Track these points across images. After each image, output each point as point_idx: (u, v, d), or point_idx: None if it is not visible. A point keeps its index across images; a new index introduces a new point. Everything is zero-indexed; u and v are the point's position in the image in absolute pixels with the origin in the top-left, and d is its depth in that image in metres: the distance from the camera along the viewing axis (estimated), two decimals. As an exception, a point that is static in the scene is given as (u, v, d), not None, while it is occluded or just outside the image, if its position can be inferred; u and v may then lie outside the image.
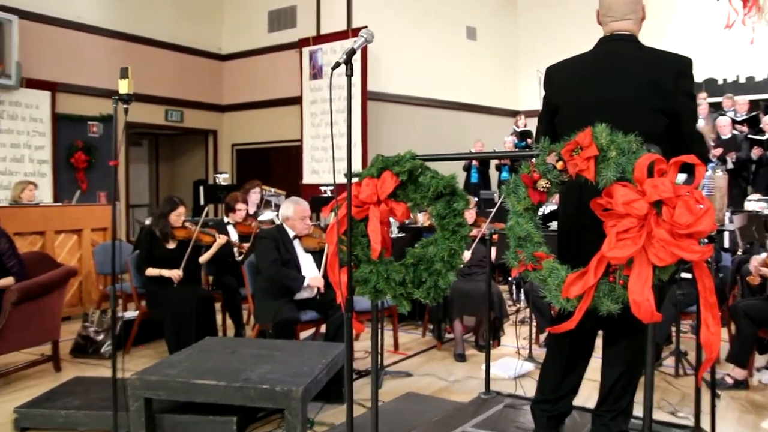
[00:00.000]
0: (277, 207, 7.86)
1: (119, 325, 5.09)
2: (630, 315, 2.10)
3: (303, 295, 4.88)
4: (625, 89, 2.51)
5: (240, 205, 6.27)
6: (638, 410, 2.56)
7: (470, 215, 5.82)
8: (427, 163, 2.63)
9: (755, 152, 8.87)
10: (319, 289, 4.89)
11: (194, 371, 3.42)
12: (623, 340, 2.67)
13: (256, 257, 5.04)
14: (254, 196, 7.20)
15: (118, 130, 3.35)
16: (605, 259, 2.14)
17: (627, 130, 2.18)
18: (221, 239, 5.56)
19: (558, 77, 2.73)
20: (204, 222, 5.67)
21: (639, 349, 2.62)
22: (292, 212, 4.98)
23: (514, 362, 4.93)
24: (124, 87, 3.29)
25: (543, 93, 2.79)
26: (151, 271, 5.24)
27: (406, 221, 7.37)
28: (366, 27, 2.50)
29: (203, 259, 5.54)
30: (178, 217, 5.36)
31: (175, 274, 5.22)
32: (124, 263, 5.47)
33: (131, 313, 5.81)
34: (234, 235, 6.17)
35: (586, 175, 2.19)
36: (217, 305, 5.69)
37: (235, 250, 6.01)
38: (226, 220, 6.31)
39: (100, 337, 5.35)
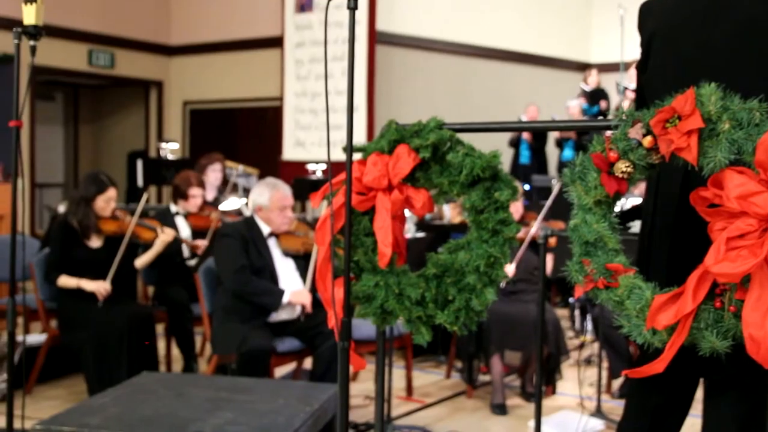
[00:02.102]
0: (247, 192, 7.88)
1: (19, 354, 5.11)
2: (744, 356, 2.09)
3: (281, 315, 4.89)
4: (736, 35, 2.50)
5: (194, 190, 6.27)
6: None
7: (517, 209, 5.82)
8: (460, 135, 2.63)
9: None
10: (303, 308, 4.90)
11: (124, 421, 3.43)
12: (734, 392, 2.65)
13: (217, 262, 5.05)
14: (213, 175, 7.21)
15: (22, 77, 3.35)
16: (709, 275, 2.13)
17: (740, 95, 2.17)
18: (166, 234, 5.57)
19: (651, 17, 2.74)
20: (143, 211, 5.68)
21: (757, 406, 2.60)
22: (267, 200, 4.98)
23: (576, 418, 4.93)
24: (30, 16, 3.30)
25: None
26: (65, 281, 5.25)
27: (428, 216, 7.37)
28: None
29: (141, 262, 5.55)
30: (106, 203, 5.37)
31: (101, 287, 5.22)
32: (27, 266, 5.49)
33: (36, 337, 5.82)
34: (185, 231, 6.18)
35: (685, 155, 2.18)
36: (160, 328, 5.70)
37: (186, 250, 6.02)
38: (173, 209, 6.32)
39: (-8, 371, 5.38)
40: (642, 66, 2.80)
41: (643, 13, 2.78)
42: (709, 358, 2.19)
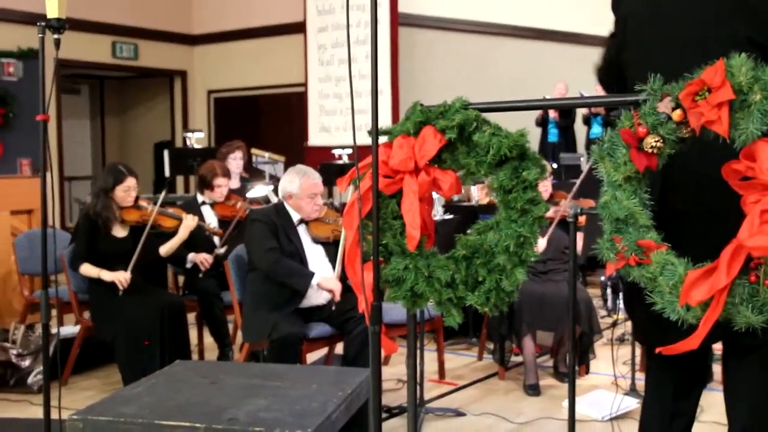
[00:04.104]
0: (275, 179, 7.88)
1: (54, 346, 5.15)
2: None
3: (312, 301, 4.89)
4: (701, 10, 2.51)
5: (219, 180, 6.24)
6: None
7: (546, 188, 5.79)
8: (486, 115, 2.62)
9: None
10: (333, 296, 4.89)
11: (159, 409, 3.45)
12: (759, 354, 2.61)
13: (247, 246, 5.05)
14: (234, 163, 7.19)
15: (47, 72, 3.37)
16: (744, 249, 2.11)
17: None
18: (190, 221, 5.57)
19: None
20: (165, 200, 5.69)
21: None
22: (297, 187, 4.96)
23: (610, 397, 4.91)
24: (53, 9, 3.31)
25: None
26: (87, 269, 5.28)
27: (456, 197, 7.35)
28: None
29: (166, 250, 5.56)
30: (126, 192, 5.38)
31: (121, 277, 5.22)
32: (58, 259, 5.52)
33: (70, 329, 5.86)
34: (213, 220, 6.19)
35: (716, 128, 2.16)
36: (191, 316, 5.73)
37: (216, 239, 6.03)
38: (200, 198, 6.33)
39: (26, 363, 5.43)
40: (619, 47, 2.81)
41: None
42: (724, 327, 2.17)
